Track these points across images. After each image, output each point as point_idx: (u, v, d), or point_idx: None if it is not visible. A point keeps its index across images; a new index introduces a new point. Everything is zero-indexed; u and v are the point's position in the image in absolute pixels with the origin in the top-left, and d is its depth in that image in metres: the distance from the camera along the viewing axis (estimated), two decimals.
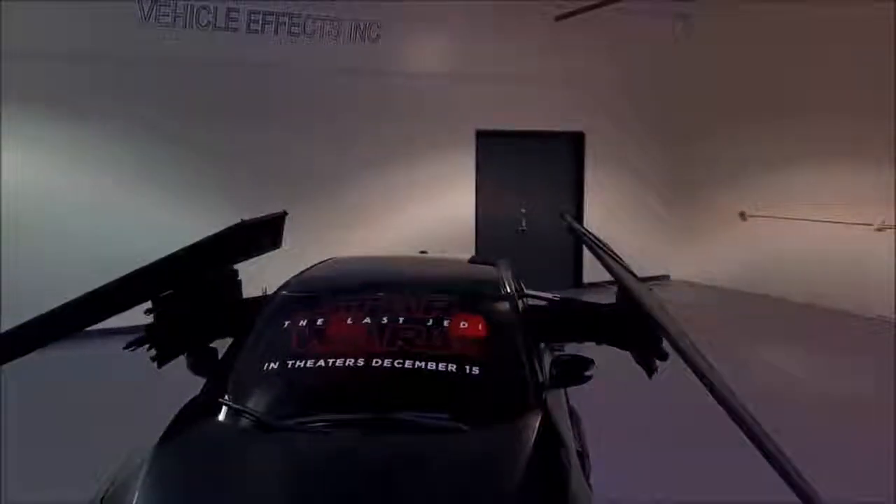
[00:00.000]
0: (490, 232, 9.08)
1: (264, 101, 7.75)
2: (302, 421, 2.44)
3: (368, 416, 2.45)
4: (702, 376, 2.02)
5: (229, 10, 7.47)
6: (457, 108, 8.78)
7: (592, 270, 9.31)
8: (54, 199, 6.99)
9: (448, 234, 8.52)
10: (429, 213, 8.68)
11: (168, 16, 7.24)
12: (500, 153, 9.24)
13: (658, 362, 2.91)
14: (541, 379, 2.76)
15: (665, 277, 10.33)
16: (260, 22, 7.63)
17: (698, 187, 10.06)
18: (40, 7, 6.61)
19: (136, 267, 2.83)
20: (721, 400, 1.94)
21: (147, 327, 3.12)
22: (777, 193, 8.91)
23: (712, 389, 1.97)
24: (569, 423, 3.00)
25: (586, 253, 9.22)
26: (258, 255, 3.92)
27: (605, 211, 9.74)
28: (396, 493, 2.03)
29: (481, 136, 9.04)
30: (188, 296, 3.30)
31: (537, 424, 2.39)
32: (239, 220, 3.56)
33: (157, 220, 7.24)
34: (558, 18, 8.92)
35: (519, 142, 9.33)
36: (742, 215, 9.39)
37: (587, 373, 2.82)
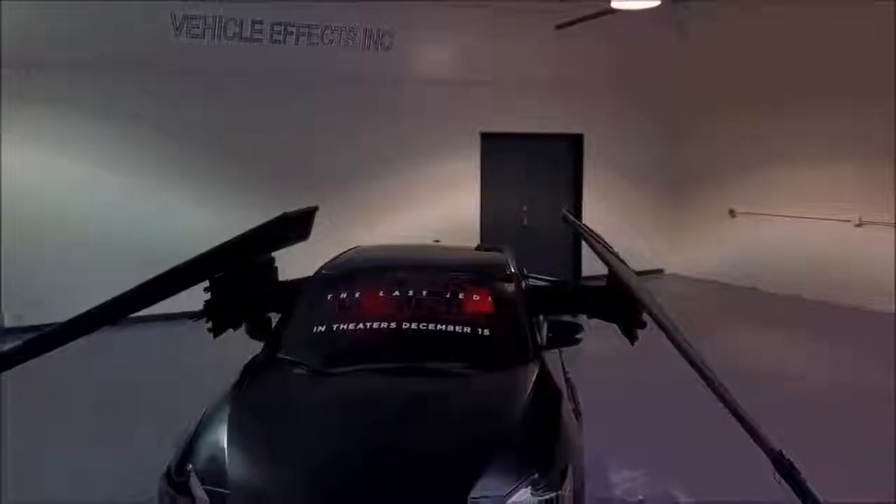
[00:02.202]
0: (494, 228, 9.66)
1: (288, 106, 8.35)
2: (347, 369, 3.06)
3: (400, 365, 3.06)
4: (673, 340, 2.60)
5: (254, 22, 8.09)
6: (463, 112, 9.37)
7: (590, 265, 9.87)
8: (101, 196, 7.65)
9: (455, 230, 9.09)
10: (436, 210, 9.26)
11: (199, 27, 7.86)
12: (503, 154, 9.83)
13: (638, 331, 3.53)
14: (539, 341, 3.37)
15: (659, 272, 10.92)
16: (282, 33, 8.24)
17: (690, 186, 10.66)
18: (83, 19, 7.23)
19: (174, 256, 3.43)
20: (688, 359, 2.52)
21: (205, 303, 3.74)
22: (764, 192, 9.50)
23: (681, 349, 2.56)
24: (563, 378, 3.59)
25: (585, 250, 9.81)
26: (290, 245, 4.50)
27: (603, 208, 10.31)
28: (426, 413, 2.66)
29: (486, 137, 9.65)
30: (237, 278, 3.90)
31: (535, 372, 3.00)
32: (281, 214, 4.17)
33: (192, 216, 7.89)
34: (558, 27, 9.45)
35: (521, 143, 9.93)
36: (731, 213, 9.99)
37: (577, 336, 3.44)
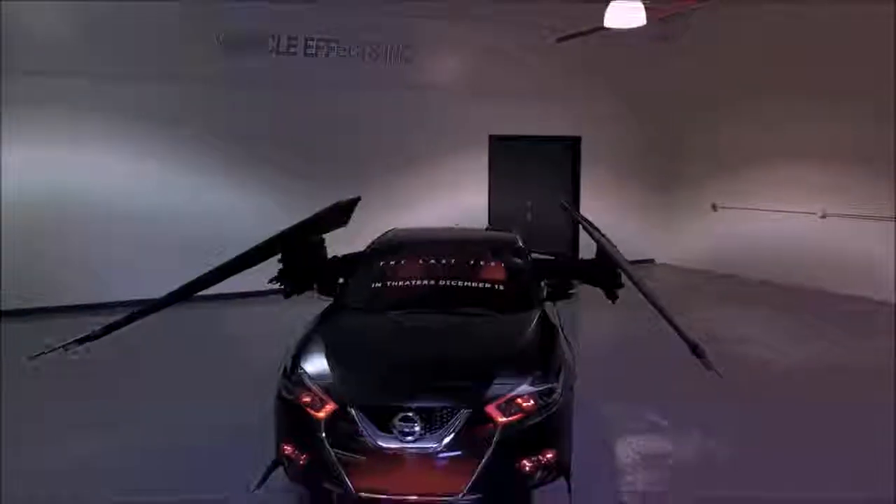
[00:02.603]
0: (501, 220, 10.75)
1: (318, 112, 9.45)
2: (400, 312, 4.19)
3: (437, 309, 4.19)
4: (637, 285, 3.73)
5: (290, 38, 9.20)
6: (473, 116, 10.48)
7: (586, 255, 10.94)
8: (173, 192, 8.86)
9: (467, 220, 10.08)
10: (450, 202, 10.33)
11: (240, 42, 8.95)
12: (509, 154, 10.94)
13: (618, 291, 4.69)
14: (541, 296, 4.49)
15: (650, 261, 12.03)
16: (314, 47, 9.35)
17: (677, 183, 11.77)
18: (149, 38, 8.35)
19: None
20: (642, 290, 3.65)
21: (279, 272, 4.91)
22: (741, 188, 10.61)
23: (638, 286, 3.69)
24: (560, 324, 4.70)
25: (582, 241, 10.91)
26: (336, 229, 5.61)
27: (599, 204, 11.37)
28: (457, 337, 3.82)
29: (494, 140, 10.76)
30: (299, 253, 5.04)
31: (537, 314, 4.13)
32: (335, 202, 5.31)
33: (245, 206, 9.11)
34: (559, 40, 10.57)
35: (525, 144, 11.04)
36: (714, 207, 11.10)
37: (571, 291, 4.57)
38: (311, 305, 4.59)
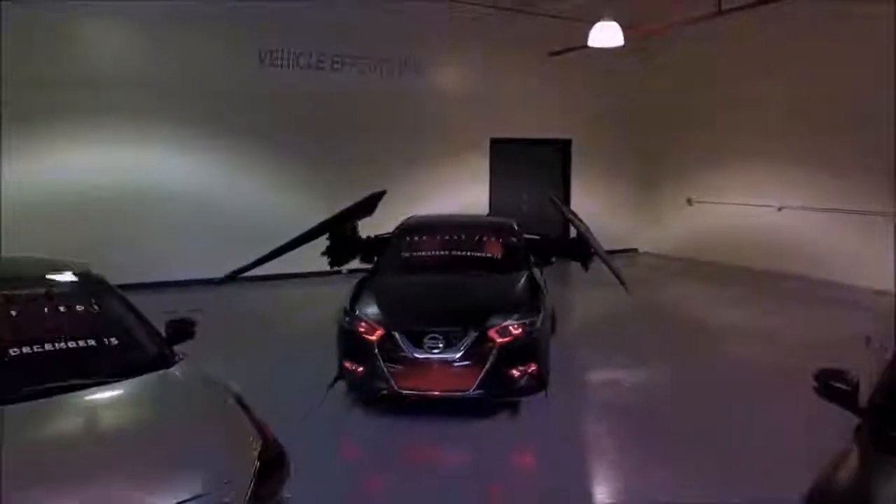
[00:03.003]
0: (500, 211, 12.14)
1: (346, 119, 10.90)
2: (424, 274, 5.69)
3: (452, 272, 5.71)
4: (599, 254, 5.28)
5: (319, 54, 10.67)
6: (476, 121, 11.94)
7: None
8: (213, 190, 10.28)
9: (470, 211, 11.62)
10: (457, 196, 11.78)
11: (278, 59, 10.44)
12: (507, 155, 12.40)
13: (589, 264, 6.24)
14: (529, 263, 5.98)
15: (634, 250, 13.50)
16: (340, 63, 10.83)
17: (657, 181, 13.25)
18: (193, 55, 9.83)
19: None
20: (601, 256, 5.19)
21: (326, 248, 6.45)
22: (712, 185, 12.08)
23: (599, 255, 5.24)
24: (543, 283, 6.15)
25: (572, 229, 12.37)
26: (364, 217, 7.09)
27: (588, 199, 12.83)
28: (465, 289, 5.33)
29: (494, 142, 12.24)
30: (340, 235, 6.57)
31: (525, 275, 5.62)
32: (370, 193, 6.83)
33: (278, 203, 10.53)
34: (551, 54, 12.07)
35: (522, 146, 12.51)
36: (689, 201, 12.57)
37: (552, 260, 6.07)
38: (333, 285, 6.14)
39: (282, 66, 10.47)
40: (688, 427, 4.93)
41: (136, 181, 9.70)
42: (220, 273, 6.91)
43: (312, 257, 6.81)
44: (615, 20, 9.06)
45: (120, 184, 9.55)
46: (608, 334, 7.54)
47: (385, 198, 7.07)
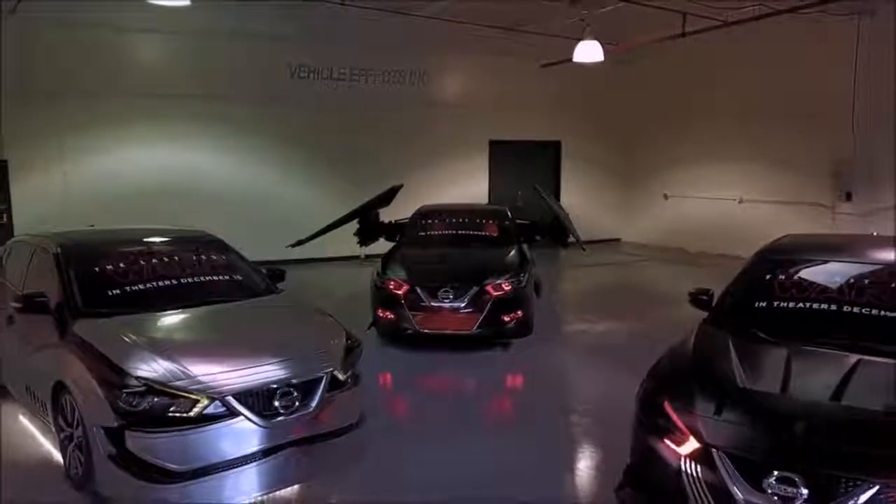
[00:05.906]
0: (498, 203, 13.77)
1: (360, 125, 12.51)
2: (435, 246, 7.36)
3: (458, 245, 7.38)
4: (569, 229, 6.97)
5: (339, 67, 12.28)
6: (477, 125, 13.56)
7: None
8: (253, 186, 11.88)
9: (472, 202, 13.22)
10: (461, 190, 13.34)
11: (305, 72, 12.06)
12: (505, 155, 14.04)
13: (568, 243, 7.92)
14: (519, 240, 7.63)
15: (617, 240, 15.13)
16: (358, 75, 12.45)
17: (638, 177, 14.89)
18: (235, 69, 11.44)
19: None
20: (565, 225, 6.87)
21: (356, 230, 8.14)
22: (685, 181, 13.72)
23: (564, 224, 6.93)
24: (531, 257, 7.76)
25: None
26: (383, 207, 8.73)
27: (576, 194, 14.48)
28: (468, 257, 7.04)
29: (493, 143, 13.87)
30: (366, 220, 8.25)
31: (515, 248, 7.29)
32: (391, 186, 8.47)
33: (303, 195, 12.15)
34: (543, 66, 13.66)
35: (518, 147, 14.14)
36: (665, 196, 14.20)
37: (537, 237, 7.73)
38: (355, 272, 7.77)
39: (308, 77, 12.08)
40: (635, 355, 6.57)
41: (184, 178, 11.31)
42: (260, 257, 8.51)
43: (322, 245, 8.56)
44: (597, 36, 10.63)
45: (173, 180, 11.17)
46: (584, 301, 9.26)
47: (400, 191, 8.70)
